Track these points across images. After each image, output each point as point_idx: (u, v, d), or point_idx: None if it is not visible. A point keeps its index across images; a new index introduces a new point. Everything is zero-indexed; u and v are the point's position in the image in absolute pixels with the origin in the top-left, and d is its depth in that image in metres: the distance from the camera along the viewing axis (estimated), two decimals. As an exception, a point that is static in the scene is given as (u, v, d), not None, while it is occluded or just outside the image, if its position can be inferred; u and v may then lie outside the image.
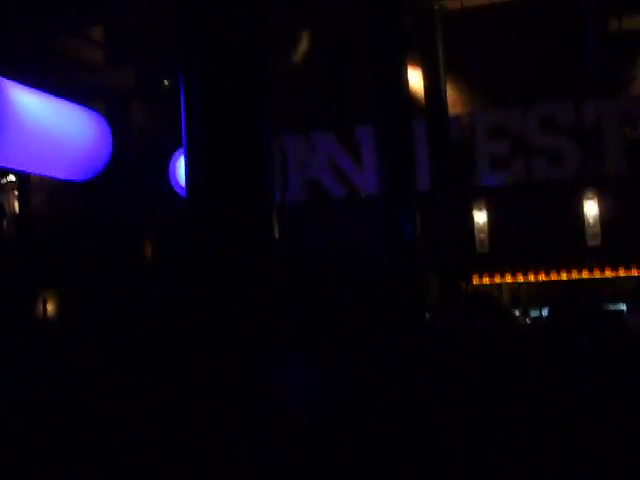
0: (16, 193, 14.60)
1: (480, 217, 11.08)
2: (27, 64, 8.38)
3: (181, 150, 9.82)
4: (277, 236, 4.21)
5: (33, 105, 5.70)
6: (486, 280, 12.32)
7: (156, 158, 11.17)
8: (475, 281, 12.22)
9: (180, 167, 9.84)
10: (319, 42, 13.40)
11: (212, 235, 3.75)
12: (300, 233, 11.67)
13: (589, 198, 10.88)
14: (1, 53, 7.95)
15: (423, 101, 11.69)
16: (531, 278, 12.17)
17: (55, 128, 6.02)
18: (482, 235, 10.93)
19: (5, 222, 14.58)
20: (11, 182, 14.72)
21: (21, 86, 5.78)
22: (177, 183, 9.89)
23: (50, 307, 13.40)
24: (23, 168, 6.42)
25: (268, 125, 4.08)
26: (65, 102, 6.72)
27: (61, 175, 6.56)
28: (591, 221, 10.80)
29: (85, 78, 10.75)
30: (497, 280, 12.21)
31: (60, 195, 13.69)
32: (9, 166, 6.28)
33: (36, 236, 13.40)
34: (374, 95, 9.25)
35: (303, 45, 13.65)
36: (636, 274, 12.12)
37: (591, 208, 10.85)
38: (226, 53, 3.84)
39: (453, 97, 12.79)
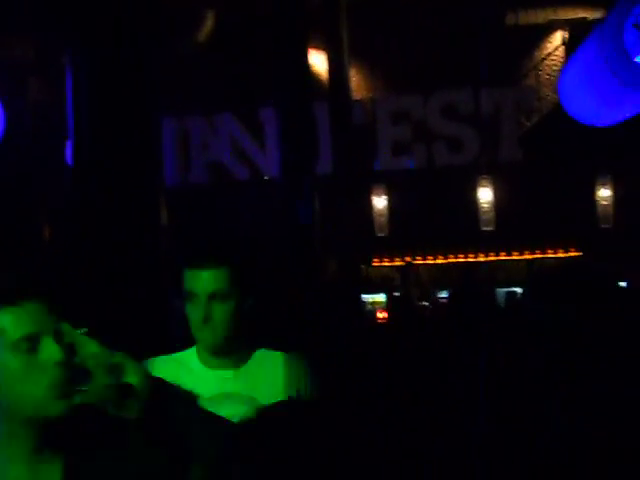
0: None
1: (380, 201, 11.27)
2: None
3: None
4: (165, 220, 4.19)
5: None
6: (386, 262, 12.58)
7: (52, 136, 10.90)
8: (375, 264, 12.47)
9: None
10: (224, 22, 13.30)
11: (96, 218, 3.70)
12: (203, 215, 11.63)
13: (484, 185, 11.21)
14: None
15: (327, 85, 11.76)
16: (430, 260, 12.49)
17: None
18: (381, 218, 11.12)
19: None
20: None
21: None
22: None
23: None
24: None
25: (154, 106, 4.05)
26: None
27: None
28: (486, 206, 11.13)
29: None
30: (397, 263, 12.48)
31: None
32: None
33: None
34: (276, 77, 9.25)
35: (207, 26, 13.51)
36: (529, 257, 12.60)
37: (486, 194, 11.19)
38: (109, 33, 3.79)
39: (357, 82, 12.94)
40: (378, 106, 12.70)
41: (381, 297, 12.54)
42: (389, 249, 12.14)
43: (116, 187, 3.78)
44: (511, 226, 11.61)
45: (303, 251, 8.35)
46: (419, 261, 12.50)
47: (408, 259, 12.12)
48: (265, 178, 12.43)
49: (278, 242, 8.25)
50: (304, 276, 7.87)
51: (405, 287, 11.34)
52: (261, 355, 2.30)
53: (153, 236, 3.87)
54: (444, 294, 11.69)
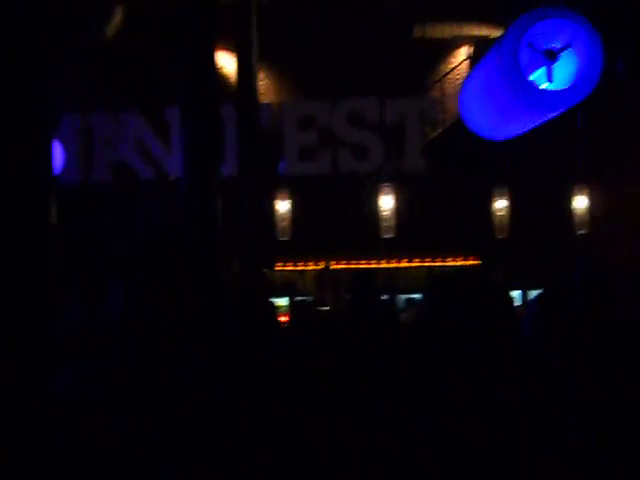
0: None
1: (283, 205, 11.31)
2: None
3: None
4: (55, 220, 4.09)
5: None
6: (290, 267, 12.64)
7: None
8: (278, 267, 12.51)
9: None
10: (132, 18, 13.10)
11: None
12: (105, 215, 11.42)
13: (386, 192, 11.41)
14: None
15: (234, 87, 11.73)
16: (333, 266, 12.62)
17: None
18: (284, 223, 11.17)
19: None
20: None
21: None
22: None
23: None
24: None
25: (46, 103, 3.95)
26: None
27: None
28: (387, 214, 11.33)
29: None
30: (300, 267, 12.57)
31: None
32: None
33: None
34: (181, 76, 9.17)
35: (115, 21, 13.28)
36: (429, 265, 12.90)
37: (388, 201, 11.39)
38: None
39: (265, 86, 12.96)
40: (285, 111, 12.76)
41: (284, 301, 12.60)
42: (292, 253, 12.20)
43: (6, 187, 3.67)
44: (412, 234, 11.86)
45: (206, 253, 8.29)
46: (319, 265, 12.62)
47: (322, 263, 12.22)
48: (171, 178, 12.29)
49: (180, 243, 8.17)
50: (207, 279, 7.81)
51: (320, 290, 11.43)
52: None
53: (41, 235, 3.76)
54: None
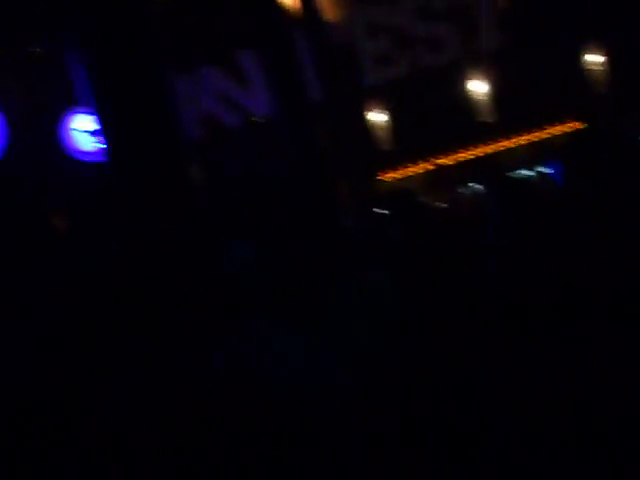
0: None
1: (377, 116, 11.28)
2: None
3: (69, 114, 9.57)
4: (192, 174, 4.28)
5: None
6: (393, 175, 12.65)
7: (41, 129, 10.87)
8: (386, 176, 12.53)
9: (73, 132, 9.62)
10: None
11: (135, 184, 3.79)
12: (207, 168, 11.66)
13: (475, 77, 11.18)
14: None
15: (298, 13, 11.65)
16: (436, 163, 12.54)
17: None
18: (383, 133, 11.16)
19: None
20: None
21: None
22: (74, 149, 9.69)
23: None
24: None
25: (162, 65, 4.11)
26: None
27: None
28: (480, 98, 11.13)
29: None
30: (403, 172, 12.55)
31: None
32: None
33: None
34: (251, 17, 9.20)
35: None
36: (536, 139, 12.61)
37: (478, 86, 11.17)
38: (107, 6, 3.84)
39: (327, 4, 12.77)
40: (352, 23, 12.57)
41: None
42: (395, 161, 12.18)
43: (148, 150, 3.86)
44: (509, 112, 11.64)
45: (315, 178, 8.43)
46: (424, 167, 12.57)
47: (433, 161, 12.07)
48: (256, 120, 12.42)
49: (292, 177, 8.34)
50: (322, 202, 7.97)
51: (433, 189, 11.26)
52: None
53: (189, 190, 3.97)
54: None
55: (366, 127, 11.15)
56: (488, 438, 1.93)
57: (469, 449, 2.24)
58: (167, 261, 3.44)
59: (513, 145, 12.64)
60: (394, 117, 11.49)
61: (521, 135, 12.58)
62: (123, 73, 4.01)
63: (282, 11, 9.68)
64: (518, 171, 11.58)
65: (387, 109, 11.37)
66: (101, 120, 4.23)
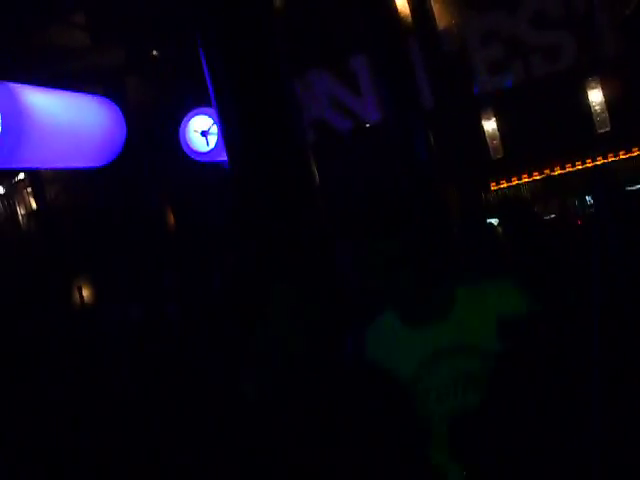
0: (29, 190, 14.76)
1: (488, 124, 11.14)
2: (21, 62, 8.44)
3: (189, 115, 9.87)
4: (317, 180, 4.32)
5: (46, 104, 5.81)
6: (504, 184, 12.46)
7: (161, 129, 11.26)
8: (493, 187, 12.36)
9: (190, 132, 9.96)
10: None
11: (261, 186, 3.87)
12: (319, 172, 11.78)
13: (592, 86, 10.88)
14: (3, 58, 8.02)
15: (411, 20, 11.64)
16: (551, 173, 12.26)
17: (70, 122, 6.15)
18: (494, 142, 11.00)
19: (24, 220, 14.80)
20: (21, 180, 14.87)
21: (32, 88, 5.89)
22: (189, 148, 10.01)
23: (86, 294, 13.67)
24: (47, 166, 6.56)
25: (287, 67, 4.19)
26: (74, 94, 6.83)
27: (82, 164, 6.70)
28: (597, 108, 10.82)
29: (76, 64, 10.78)
30: (515, 182, 12.34)
31: (73, 184, 13.86)
32: (34, 166, 6.43)
33: (57, 228, 13.60)
34: (364, 21, 9.26)
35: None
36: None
37: (595, 95, 10.87)
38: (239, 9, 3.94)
39: (440, 10, 12.72)
40: (466, 30, 12.45)
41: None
42: (506, 170, 12.00)
43: (272, 153, 3.94)
44: (626, 123, 11.27)
45: (426, 187, 8.41)
46: (536, 176, 12.32)
47: (546, 172, 11.86)
48: (367, 126, 12.47)
49: (398, 184, 8.34)
50: (431, 211, 7.94)
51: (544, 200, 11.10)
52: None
53: (313, 192, 4.03)
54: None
55: (478, 135, 11.02)
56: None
57: None
58: (289, 260, 3.51)
59: (630, 157, 12.24)
60: (506, 125, 11.31)
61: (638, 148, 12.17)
62: (245, 75, 4.11)
63: (395, 16, 9.70)
64: (636, 185, 11.22)
65: (499, 117, 11.20)
66: (221, 121, 4.34)
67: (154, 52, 12.12)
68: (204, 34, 4.30)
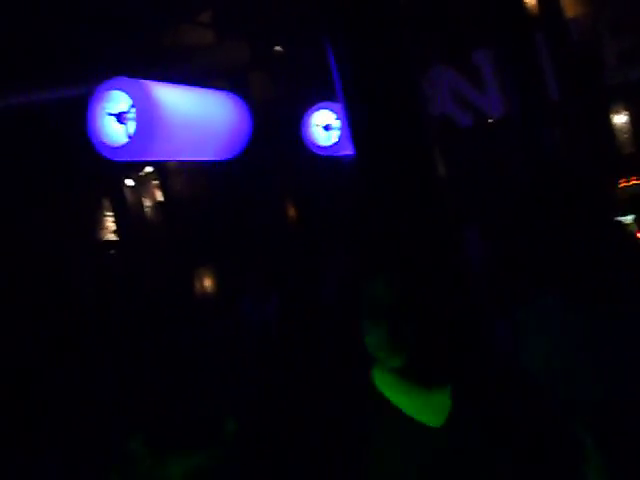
0: (156, 182, 15.33)
1: (619, 117, 10.71)
2: (153, 60, 8.79)
3: (311, 110, 10.00)
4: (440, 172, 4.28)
5: (176, 100, 6.02)
6: (634, 180, 11.93)
7: (283, 124, 11.44)
8: (622, 184, 11.87)
9: (312, 126, 10.07)
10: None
11: (387, 183, 3.88)
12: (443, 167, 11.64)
13: None
14: (131, 56, 8.40)
15: (537, 9, 11.34)
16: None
17: (199, 116, 6.35)
18: (625, 135, 10.57)
19: (151, 211, 15.37)
20: (149, 173, 15.47)
21: (163, 84, 6.12)
22: (311, 142, 10.12)
23: (209, 284, 14.08)
24: (177, 158, 6.81)
25: (414, 63, 4.17)
26: (202, 90, 7.04)
27: (210, 157, 6.91)
28: None
29: (203, 61, 11.11)
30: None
31: (197, 177, 14.31)
32: (165, 158, 6.70)
33: (185, 219, 14.08)
34: (488, 13, 9.09)
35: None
36: None
37: None
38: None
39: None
40: (596, 19, 12.00)
41: (629, 219, 11.95)
42: (637, 166, 11.50)
43: (399, 148, 3.93)
44: None
45: (552, 183, 8.18)
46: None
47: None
48: (490, 121, 12.24)
49: (528, 181, 8.15)
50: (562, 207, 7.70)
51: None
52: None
53: (440, 188, 3.99)
54: None
55: (607, 129, 10.62)
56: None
57: None
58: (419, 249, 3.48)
59: None
60: (638, 119, 10.84)
61: None
62: (373, 69, 4.12)
63: (521, 6, 9.46)
64: None
65: (630, 110, 10.75)
66: (348, 116, 4.36)
67: (277, 48, 12.33)
68: (332, 31, 4.33)
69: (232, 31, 12.10)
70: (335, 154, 10.13)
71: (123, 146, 5.63)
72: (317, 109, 10.11)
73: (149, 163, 14.13)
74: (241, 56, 12.09)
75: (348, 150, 7.93)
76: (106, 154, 5.78)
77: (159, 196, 15.22)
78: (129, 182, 14.74)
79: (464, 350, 1.96)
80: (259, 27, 11.68)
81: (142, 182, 15.54)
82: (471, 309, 3.44)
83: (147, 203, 15.58)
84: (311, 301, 9.51)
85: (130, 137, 5.54)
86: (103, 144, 5.77)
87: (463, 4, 11.65)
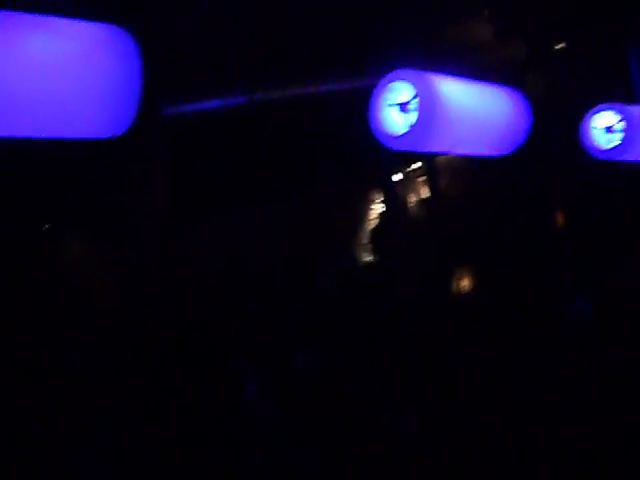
0: (421, 179, 15.52)
1: None
2: (436, 54, 8.88)
3: (593, 111, 9.59)
4: None
5: (458, 92, 6.09)
6: None
7: (558, 124, 11.05)
8: None
9: (593, 129, 9.61)
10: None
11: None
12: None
13: None
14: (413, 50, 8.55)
15: None
16: None
17: (480, 110, 6.36)
18: None
19: (416, 207, 15.60)
20: (416, 169, 15.70)
21: (444, 77, 6.21)
22: (592, 146, 9.69)
23: (467, 284, 14.00)
24: (453, 151, 6.88)
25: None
26: (482, 84, 7.02)
27: (486, 152, 6.88)
28: None
29: (482, 56, 11.04)
30: None
31: (464, 175, 14.29)
32: (443, 151, 6.81)
33: (448, 216, 14.13)
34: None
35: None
36: None
37: None
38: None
39: None
40: None
41: None
42: None
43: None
44: None
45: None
46: None
47: None
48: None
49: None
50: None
51: None
52: None
53: None
54: None
55: None
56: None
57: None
58: None
59: None
60: None
61: None
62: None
63: None
64: None
65: None
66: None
67: (557, 46, 11.96)
68: (634, 31, 4.13)
69: (510, 27, 11.93)
70: (616, 158, 9.61)
71: (403, 135, 5.79)
72: (599, 110, 9.63)
73: (419, 159, 14.34)
74: (518, 53, 11.88)
75: (631, 154, 7.57)
76: (386, 143, 5.96)
77: (424, 193, 15.40)
78: (397, 177, 15.06)
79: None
80: (536, 25, 11.40)
81: (409, 178, 15.81)
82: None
83: (412, 199, 15.84)
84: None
85: (411, 126, 5.68)
86: (384, 133, 5.96)
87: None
